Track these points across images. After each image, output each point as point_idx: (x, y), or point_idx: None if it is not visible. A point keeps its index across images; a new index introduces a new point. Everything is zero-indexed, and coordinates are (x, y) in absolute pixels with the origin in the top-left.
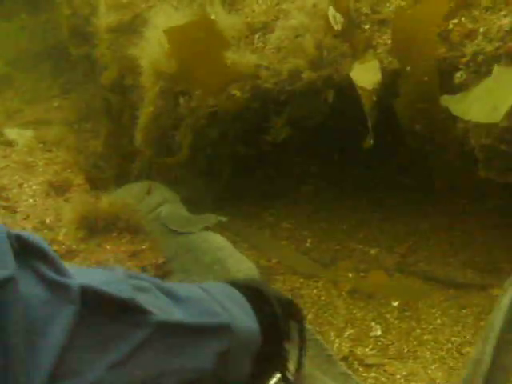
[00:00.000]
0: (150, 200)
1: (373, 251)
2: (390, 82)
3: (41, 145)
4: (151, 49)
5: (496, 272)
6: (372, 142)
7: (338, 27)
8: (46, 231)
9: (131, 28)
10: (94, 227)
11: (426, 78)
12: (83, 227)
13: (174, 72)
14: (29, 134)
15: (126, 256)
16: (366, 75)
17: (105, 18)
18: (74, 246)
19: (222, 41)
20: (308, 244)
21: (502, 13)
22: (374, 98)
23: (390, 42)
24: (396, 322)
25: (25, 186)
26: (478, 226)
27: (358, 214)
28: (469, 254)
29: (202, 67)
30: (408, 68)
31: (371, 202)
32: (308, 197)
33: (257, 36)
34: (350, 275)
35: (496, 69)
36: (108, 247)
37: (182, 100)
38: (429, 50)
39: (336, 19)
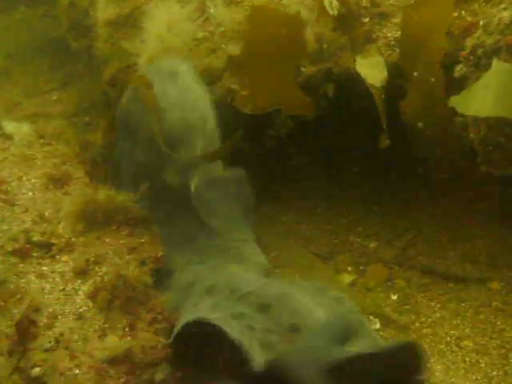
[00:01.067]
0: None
1: (372, 245)
2: (390, 76)
3: (40, 138)
4: (151, 42)
5: (495, 266)
6: (388, 141)
7: (333, 13)
8: (45, 224)
9: (130, 21)
10: (94, 220)
11: (432, 80)
12: (82, 220)
13: (234, 54)
14: (25, 128)
15: (125, 249)
16: (372, 72)
17: (103, 11)
18: (73, 239)
19: (302, 50)
20: (307, 237)
21: (502, 6)
22: (383, 96)
23: (389, 35)
24: (395, 315)
25: (24, 179)
26: (477, 220)
27: (357, 208)
28: (468, 247)
29: (267, 67)
30: (415, 73)
31: (370, 196)
32: (307, 191)
33: None
34: (350, 268)
35: (495, 62)
36: (107, 240)
37: None
38: (436, 53)
39: (332, 5)
